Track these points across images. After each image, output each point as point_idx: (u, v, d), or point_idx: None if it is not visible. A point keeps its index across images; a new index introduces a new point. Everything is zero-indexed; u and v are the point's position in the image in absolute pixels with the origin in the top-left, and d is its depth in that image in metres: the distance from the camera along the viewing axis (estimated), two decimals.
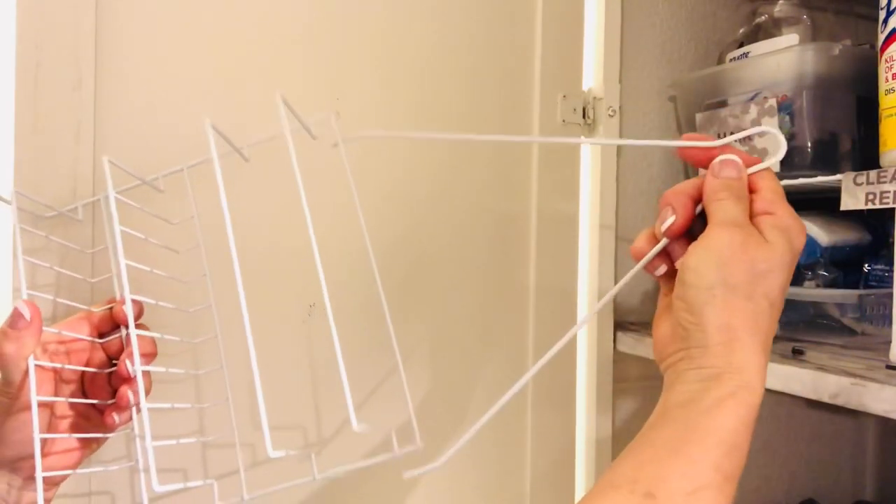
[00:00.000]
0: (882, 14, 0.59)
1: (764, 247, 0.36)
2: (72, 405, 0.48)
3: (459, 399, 0.71)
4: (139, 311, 0.49)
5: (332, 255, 0.64)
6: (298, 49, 0.62)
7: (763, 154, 0.69)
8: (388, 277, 0.67)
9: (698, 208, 0.40)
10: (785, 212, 0.39)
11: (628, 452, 0.35)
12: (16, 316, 0.42)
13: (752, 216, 0.39)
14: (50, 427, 0.46)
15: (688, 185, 0.41)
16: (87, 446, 0.48)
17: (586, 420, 0.79)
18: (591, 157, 0.79)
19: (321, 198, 0.63)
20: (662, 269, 0.42)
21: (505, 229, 0.73)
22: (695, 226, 0.41)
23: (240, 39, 0.60)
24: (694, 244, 0.38)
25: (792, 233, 0.38)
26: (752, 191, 0.40)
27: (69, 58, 0.52)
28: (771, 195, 0.39)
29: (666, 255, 0.42)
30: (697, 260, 0.37)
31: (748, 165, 0.40)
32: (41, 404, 0.43)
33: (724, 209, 0.38)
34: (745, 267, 0.36)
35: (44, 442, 0.44)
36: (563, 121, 0.76)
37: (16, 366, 0.41)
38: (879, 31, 0.59)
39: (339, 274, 0.64)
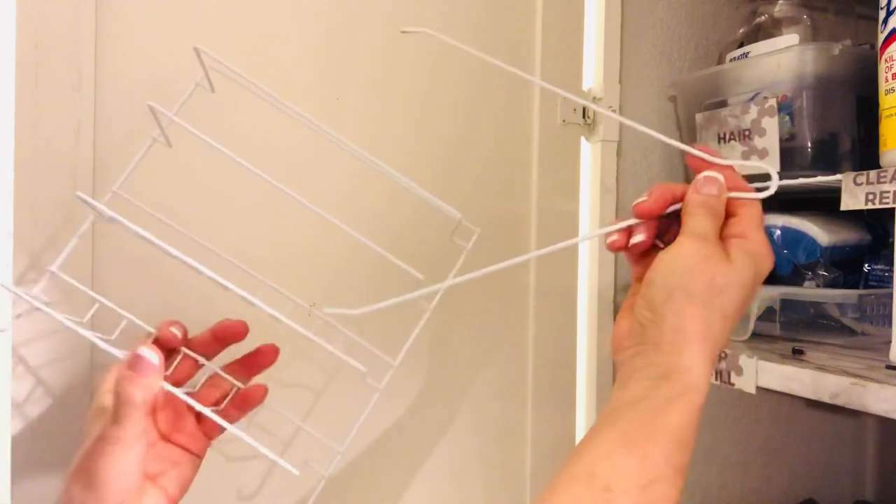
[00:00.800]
0: (882, 14, 0.59)
1: (725, 264, 0.39)
2: (165, 445, 0.47)
3: (459, 398, 0.71)
4: (185, 331, 0.48)
5: (333, 254, 0.64)
6: (301, 50, 0.62)
7: (762, 155, 0.69)
8: (389, 277, 0.67)
9: (674, 207, 0.43)
10: (758, 238, 0.41)
11: (585, 446, 0.37)
12: (141, 361, 0.41)
13: (726, 237, 0.41)
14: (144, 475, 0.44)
15: (676, 186, 0.43)
16: (184, 488, 0.47)
17: (586, 420, 0.79)
18: (591, 158, 0.79)
19: (322, 197, 0.63)
20: (614, 237, 0.44)
21: (505, 229, 0.73)
22: (670, 234, 0.43)
23: (241, 40, 0.60)
24: (664, 250, 0.41)
25: (759, 259, 0.40)
26: (733, 213, 0.42)
27: (69, 58, 0.52)
28: (748, 221, 0.41)
29: (628, 237, 0.44)
30: (664, 263, 0.40)
31: (736, 190, 0.42)
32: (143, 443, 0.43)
33: (696, 222, 0.40)
34: (705, 278, 0.38)
35: (141, 483, 0.42)
36: (563, 121, 0.76)
37: (138, 409, 0.41)
38: (879, 31, 0.59)
39: (340, 272, 0.64)
